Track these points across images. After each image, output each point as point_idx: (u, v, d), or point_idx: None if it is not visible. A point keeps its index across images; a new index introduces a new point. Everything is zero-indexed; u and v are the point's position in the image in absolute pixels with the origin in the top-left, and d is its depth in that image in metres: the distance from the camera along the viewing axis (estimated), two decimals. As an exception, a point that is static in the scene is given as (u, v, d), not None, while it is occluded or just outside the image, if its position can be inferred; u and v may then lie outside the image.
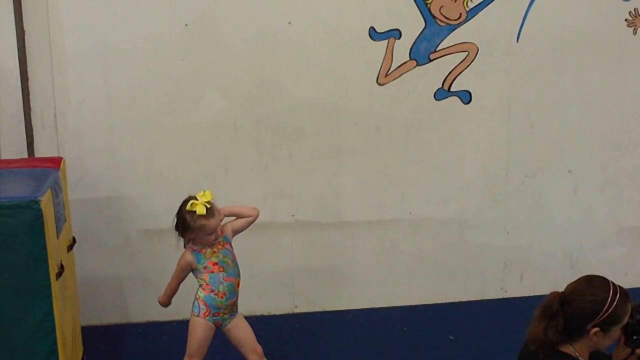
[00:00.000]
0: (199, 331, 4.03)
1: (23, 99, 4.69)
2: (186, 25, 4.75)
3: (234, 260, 4.07)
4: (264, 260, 5.11)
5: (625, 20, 5.11)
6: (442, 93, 5.05)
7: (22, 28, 4.62)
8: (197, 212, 3.88)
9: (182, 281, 4.09)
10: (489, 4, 4.94)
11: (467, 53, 4.99)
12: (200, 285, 4.03)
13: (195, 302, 4.04)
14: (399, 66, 4.97)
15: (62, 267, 3.80)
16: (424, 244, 5.28)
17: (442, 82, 5.03)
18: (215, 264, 4.00)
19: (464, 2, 4.91)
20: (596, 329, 2.85)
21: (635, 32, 5.14)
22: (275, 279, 5.19)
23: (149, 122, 4.85)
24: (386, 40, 4.91)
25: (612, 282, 2.91)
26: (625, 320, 2.88)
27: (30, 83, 4.70)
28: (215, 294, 4.00)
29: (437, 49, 4.96)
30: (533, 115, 5.17)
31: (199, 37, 4.77)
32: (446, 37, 4.95)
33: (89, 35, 4.69)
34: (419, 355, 4.82)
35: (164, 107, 4.84)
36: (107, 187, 4.88)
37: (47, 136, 4.77)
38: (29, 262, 3.51)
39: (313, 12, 4.82)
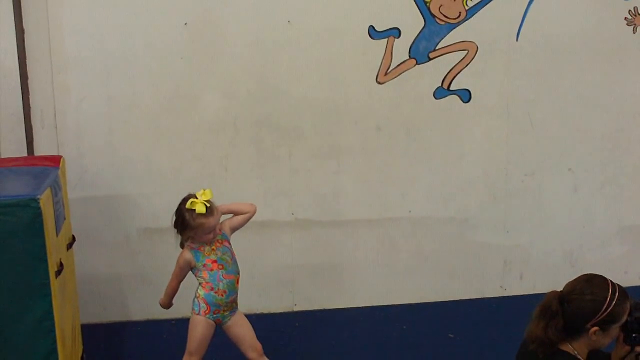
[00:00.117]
0: (199, 329, 4.04)
1: (23, 98, 4.69)
2: (186, 24, 4.75)
3: (233, 258, 4.08)
4: (264, 258, 5.12)
5: (625, 19, 5.11)
6: (441, 92, 5.05)
7: (22, 27, 4.62)
8: (197, 211, 3.88)
9: (182, 280, 4.09)
10: (488, 3, 4.94)
11: (466, 52, 5.00)
12: (200, 284, 4.04)
13: (195, 300, 4.04)
14: (399, 65, 4.97)
15: (61, 265, 3.80)
16: (423, 243, 5.28)
17: (441, 80, 5.03)
18: (214, 261, 4.01)
19: (463, 0, 4.92)
20: (596, 327, 2.85)
21: (634, 31, 5.13)
22: (275, 278, 5.19)
23: (148, 121, 4.85)
24: (385, 39, 4.92)
25: (611, 281, 2.91)
26: (624, 318, 2.88)
27: (29, 82, 4.71)
28: (215, 292, 4.00)
29: (437, 48, 4.96)
30: (533, 113, 5.17)
31: (199, 36, 4.78)
32: (445, 35, 4.95)
33: (89, 34, 4.70)
34: (419, 354, 4.82)
35: (163, 106, 4.84)
36: (106, 185, 4.88)
37: (47, 135, 4.78)
38: (28, 261, 3.51)
39: (312, 11, 4.83)
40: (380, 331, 5.04)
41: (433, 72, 5.01)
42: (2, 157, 4.65)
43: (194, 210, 3.89)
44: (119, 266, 5.03)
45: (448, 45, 4.98)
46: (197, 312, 4.03)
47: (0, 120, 4.72)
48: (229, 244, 4.09)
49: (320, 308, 5.26)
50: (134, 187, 4.92)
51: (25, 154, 4.72)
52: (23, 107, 4.70)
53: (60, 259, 3.84)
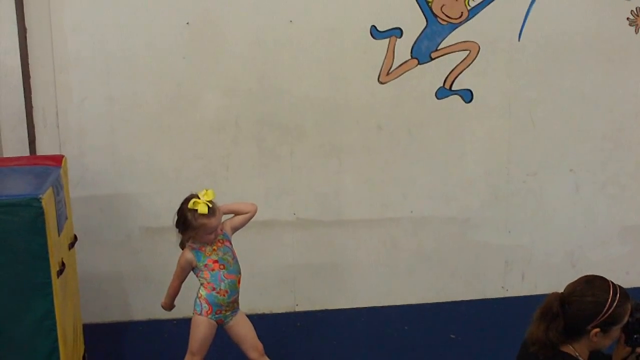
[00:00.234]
0: (201, 329, 4.04)
1: (25, 97, 4.70)
2: (187, 23, 4.75)
3: (234, 258, 4.08)
4: (265, 258, 5.12)
5: (627, 19, 5.11)
6: (443, 92, 5.05)
7: (24, 26, 4.63)
8: (199, 211, 3.88)
9: (183, 281, 4.09)
10: (490, 3, 4.94)
11: (468, 52, 4.99)
12: (201, 284, 4.03)
13: (197, 300, 4.04)
14: (401, 65, 4.97)
15: (63, 264, 3.80)
16: (425, 243, 5.28)
17: (443, 80, 5.03)
18: (216, 261, 4.00)
19: (465, 0, 4.91)
20: (597, 329, 2.85)
21: (637, 31, 5.13)
22: (277, 277, 5.19)
23: (150, 120, 4.86)
24: (387, 39, 4.91)
25: (612, 282, 2.91)
26: (625, 319, 2.88)
27: (32, 81, 4.71)
28: (217, 292, 4.00)
29: (439, 48, 4.96)
30: (534, 113, 5.17)
31: (201, 35, 4.78)
32: (447, 35, 4.95)
33: (91, 34, 4.70)
34: (420, 354, 4.82)
35: (165, 105, 4.85)
36: (108, 184, 4.88)
37: (49, 134, 4.78)
38: (30, 260, 3.51)
39: (314, 10, 4.83)
40: (381, 331, 5.04)
41: (435, 72, 5.01)
42: (5, 156, 4.65)
43: (196, 210, 3.88)
44: (120, 265, 5.03)
45: (450, 45, 4.97)
46: (199, 313, 4.03)
47: (2, 119, 4.73)
48: (230, 244, 4.09)
49: (321, 308, 5.27)
50: (135, 186, 4.93)
51: (27, 153, 4.72)
52: (25, 107, 4.71)
53: (62, 258, 3.84)
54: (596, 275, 2.95)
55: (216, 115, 4.91)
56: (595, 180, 5.35)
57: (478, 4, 4.94)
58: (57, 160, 4.17)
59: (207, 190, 3.94)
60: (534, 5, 4.99)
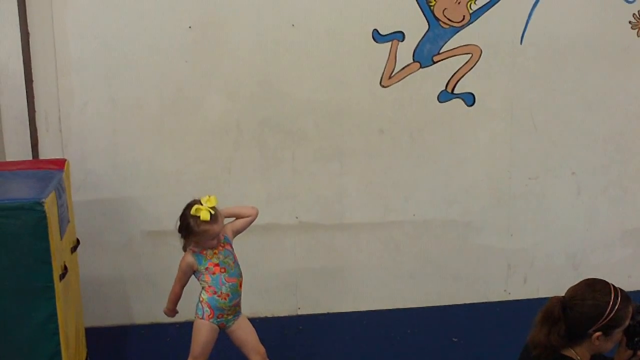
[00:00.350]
0: (203, 333, 4.04)
1: (27, 101, 4.70)
2: (190, 27, 4.76)
3: (235, 261, 4.08)
4: (268, 261, 5.12)
5: (629, 22, 5.11)
6: (445, 95, 5.05)
7: (27, 30, 4.63)
8: (201, 218, 3.88)
9: (185, 285, 4.09)
10: (492, 7, 4.94)
11: (470, 55, 5.00)
12: (202, 288, 4.04)
13: (199, 304, 4.04)
14: (403, 68, 4.97)
15: (65, 268, 3.81)
16: (427, 246, 5.28)
17: (445, 84, 5.03)
18: (217, 265, 4.01)
19: (467, 4, 4.92)
20: (598, 333, 2.85)
21: (638, 34, 5.13)
22: (279, 281, 5.20)
23: (152, 124, 4.86)
24: (389, 43, 4.92)
25: (613, 285, 2.90)
26: (627, 322, 2.88)
27: (34, 85, 4.72)
28: (218, 296, 4.00)
29: (441, 51, 4.96)
30: (536, 117, 5.17)
31: (203, 39, 4.78)
32: (450, 39, 4.95)
33: (93, 37, 4.71)
34: (423, 358, 4.82)
35: (167, 108, 4.85)
36: (110, 188, 4.89)
37: (51, 138, 4.79)
38: (33, 263, 3.52)
39: (316, 14, 4.83)
40: (383, 335, 5.04)
41: (437, 75, 5.01)
42: (7, 160, 4.66)
43: (199, 216, 3.89)
44: (122, 269, 5.03)
45: (452, 49, 4.97)
46: (200, 317, 4.03)
47: (5, 123, 4.74)
48: (231, 247, 4.09)
49: (323, 311, 5.27)
50: (137, 189, 4.93)
51: (30, 157, 4.73)
52: (28, 110, 4.72)
53: (65, 262, 3.85)
54: (597, 279, 2.95)
55: (218, 118, 4.91)
56: (597, 184, 5.35)
57: (480, 7, 4.94)
58: (60, 164, 4.18)
59: (209, 197, 3.94)
60: (536, 9, 4.99)
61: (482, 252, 5.33)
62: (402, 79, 4.98)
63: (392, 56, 4.94)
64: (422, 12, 4.89)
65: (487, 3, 4.94)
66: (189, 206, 3.95)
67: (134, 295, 5.09)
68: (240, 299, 4.10)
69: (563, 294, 2.96)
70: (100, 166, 4.87)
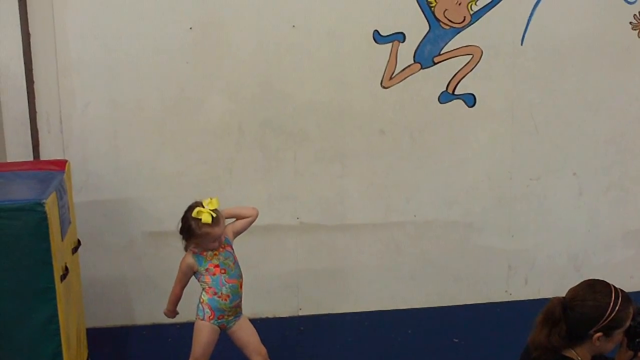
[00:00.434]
0: (204, 335, 4.03)
1: (29, 102, 4.71)
2: (191, 28, 4.76)
3: (235, 262, 4.07)
4: (269, 262, 5.12)
5: (630, 23, 5.11)
6: (446, 96, 5.05)
7: (28, 31, 4.64)
8: (203, 220, 3.88)
9: (185, 285, 4.09)
10: (493, 7, 4.94)
11: (471, 56, 5.00)
12: (203, 289, 4.03)
13: (200, 305, 4.04)
14: (403, 69, 4.97)
15: (66, 269, 3.82)
16: (428, 247, 5.28)
17: (446, 85, 5.03)
18: (217, 266, 4.00)
19: (468, 5, 4.92)
20: (599, 333, 2.85)
21: (639, 35, 5.13)
22: (280, 282, 5.20)
23: (153, 125, 4.86)
24: (390, 44, 4.92)
25: (614, 286, 2.90)
26: (628, 323, 2.88)
27: (35, 86, 4.72)
28: (219, 297, 4.00)
29: (442, 52, 4.97)
30: (537, 118, 5.17)
31: (204, 40, 4.79)
32: (450, 40, 4.95)
33: (94, 38, 4.71)
34: (424, 358, 4.82)
35: (168, 109, 4.85)
36: (111, 189, 4.89)
37: (53, 139, 4.79)
38: (34, 265, 3.53)
39: (317, 15, 4.83)
40: (384, 336, 5.04)
41: (438, 76, 5.01)
42: (9, 161, 4.66)
43: (200, 219, 3.89)
44: (123, 270, 5.04)
45: (453, 50, 4.98)
46: (201, 318, 4.03)
47: (6, 124, 4.74)
48: (232, 248, 4.09)
49: (325, 312, 5.27)
50: (139, 190, 4.93)
51: (31, 158, 4.73)
52: (29, 112, 4.72)
53: (66, 262, 3.85)
54: (598, 280, 2.95)
55: (219, 119, 4.91)
56: (598, 185, 5.35)
57: (481, 8, 4.94)
58: (61, 165, 4.19)
59: (211, 199, 3.94)
60: (537, 10, 4.99)
61: (483, 252, 5.33)
62: (403, 80, 4.99)
63: (393, 57, 4.94)
64: (423, 13, 4.89)
65: (488, 4, 4.94)
66: (191, 208, 3.95)
67: (135, 296, 5.09)
68: (240, 300, 4.10)
69: (564, 295, 2.96)
70: (102, 167, 4.87)
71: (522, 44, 5.03)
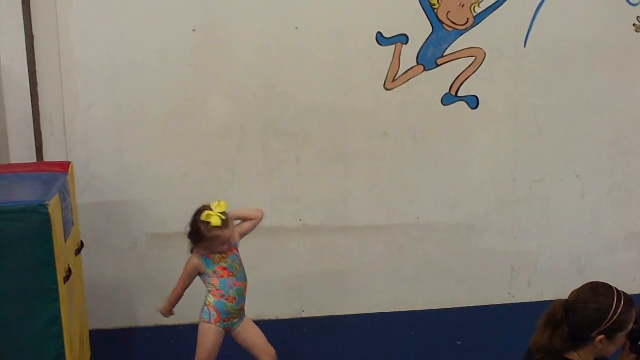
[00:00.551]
0: (210, 337, 4.01)
1: (32, 104, 4.72)
2: (193, 30, 4.77)
3: (241, 265, 4.07)
4: (271, 264, 5.12)
5: (633, 25, 5.10)
6: (449, 98, 5.05)
7: (31, 33, 4.65)
8: (212, 223, 3.87)
9: (187, 286, 4.07)
10: (496, 9, 4.94)
11: (474, 58, 5.00)
12: (209, 291, 4.02)
13: (205, 307, 4.03)
14: (406, 71, 4.97)
15: (69, 270, 3.82)
16: (431, 249, 5.28)
17: (449, 87, 5.03)
18: (225, 268, 3.99)
19: (471, 7, 4.92)
20: (601, 336, 2.84)
21: (642, 37, 5.13)
22: (283, 284, 5.20)
23: (156, 127, 4.87)
24: (393, 45, 4.92)
25: (616, 289, 2.90)
26: (630, 326, 2.87)
27: (39, 88, 4.73)
28: (226, 299, 3.99)
29: (444, 54, 4.97)
30: (540, 119, 5.17)
31: (206, 42, 4.79)
32: (453, 42, 4.95)
33: (97, 41, 4.72)
34: (426, 360, 4.83)
35: (171, 111, 4.86)
36: (114, 191, 4.90)
37: (56, 140, 4.80)
38: (37, 266, 3.52)
39: (320, 17, 4.84)
40: (387, 338, 5.04)
41: (441, 78, 5.01)
42: (12, 162, 4.67)
43: (209, 222, 3.88)
44: (126, 271, 5.04)
45: (456, 52, 4.98)
46: (207, 320, 4.01)
47: (9, 126, 4.75)
48: (237, 250, 4.08)
49: (327, 314, 5.26)
50: (141, 192, 4.94)
51: (34, 159, 4.74)
52: (32, 113, 4.73)
53: (69, 264, 3.85)
54: (600, 282, 2.94)
55: (222, 121, 4.92)
56: (601, 186, 5.34)
57: (484, 10, 4.94)
58: (64, 167, 4.19)
59: (219, 202, 3.92)
60: (540, 11, 4.99)
61: (486, 254, 5.33)
62: (405, 82, 4.99)
63: (396, 59, 4.94)
64: (426, 14, 4.89)
65: (490, 6, 4.94)
66: (199, 212, 3.92)
67: (138, 298, 5.09)
68: (244, 302, 4.10)
69: (567, 297, 2.96)
70: (105, 169, 4.88)
71: (524, 46, 5.03)
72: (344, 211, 5.15)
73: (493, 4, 4.94)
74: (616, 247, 5.45)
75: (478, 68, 5.02)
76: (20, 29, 4.61)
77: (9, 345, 3.57)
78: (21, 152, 4.76)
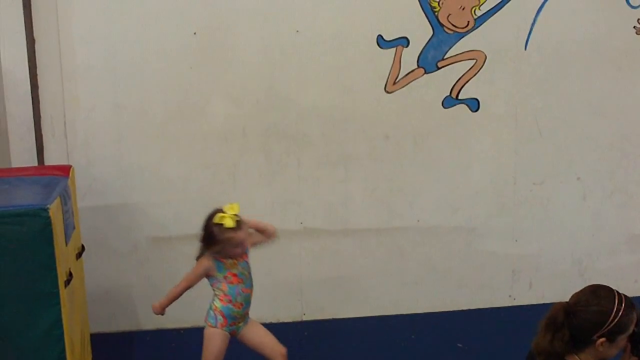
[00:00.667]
0: (217, 342, 4.00)
1: (33, 107, 4.72)
2: (195, 33, 4.77)
3: (250, 272, 4.07)
4: (273, 267, 5.11)
5: (634, 27, 5.10)
6: (450, 101, 5.05)
7: (32, 37, 4.65)
8: (225, 225, 3.85)
9: (190, 287, 4.03)
10: (497, 12, 4.94)
11: (475, 61, 5.00)
12: (216, 295, 4.00)
13: (211, 312, 4.02)
14: (407, 74, 4.97)
15: (70, 274, 3.82)
16: (432, 252, 5.27)
17: (450, 90, 5.03)
18: (235, 275, 3.98)
19: (471, 10, 4.92)
20: (602, 339, 2.84)
21: (643, 39, 5.13)
22: (284, 287, 5.19)
23: (157, 130, 4.87)
24: (394, 48, 4.92)
25: (617, 292, 2.90)
26: (631, 329, 2.88)
27: (40, 91, 4.73)
28: (233, 305, 3.98)
29: (445, 57, 4.97)
30: (541, 122, 5.16)
31: (208, 45, 4.79)
32: (454, 45, 4.95)
33: (99, 44, 4.72)
34: (427, 363, 4.83)
35: (172, 114, 4.86)
36: (115, 194, 4.90)
37: (57, 144, 4.80)
38: (38, 270, 3.52)
39: (321, 20, 4.84)
40: (388, 341, 5.03)
41: (441, 81, 5.01)
42: (13, 166, 4.67)
43: (222, 224, 3.86)
44: (128, 275, 5.04)
45: (456, 55, 4.98)
46: (213, 325, 4.00)
47: (10, 129, 4.75)
48: (248, 257, 4.07)
49: (329, 317, 5.26)
50: (143, 196, 4.94)
51: (35, 163, 4.74)
52: (33, 116, 4.73)
53: (70, 268, 3.86)
54: (601, 285, 2.94)
55: (223, 124, 4.92)
56: (602, 189, 5.34)
57: (484, 13, 4.94)
58: (65, 170, 4.19)
59: (232, 204, 3.91)
60: (541, 14, 4.99)
61: (487, 257, 5.32)
62: (406, 85, 4.99)
63: (397, 62, 4.94)
64: (427, 17, 4.89)
65: (491, 9, 4.94)
66: (212, 216, 3.91)
67: (139, 301, 5.08)
68: (250, 306, 4.10)
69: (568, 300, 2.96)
70: (106, 172, 4.88)
71: (525, 49, 5.03)
72: (345, 214, 5.15)
73: (494, 7, 4.94)
74: (618, 249, 5.45)
75: (479, 71, 5.02)
76: (21, 32, 4.62)
77: (10, 349, 3.57)
78: (22, 155, 4.75)
